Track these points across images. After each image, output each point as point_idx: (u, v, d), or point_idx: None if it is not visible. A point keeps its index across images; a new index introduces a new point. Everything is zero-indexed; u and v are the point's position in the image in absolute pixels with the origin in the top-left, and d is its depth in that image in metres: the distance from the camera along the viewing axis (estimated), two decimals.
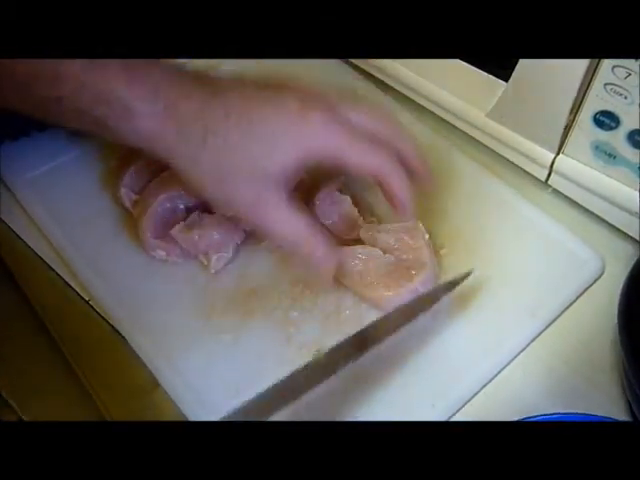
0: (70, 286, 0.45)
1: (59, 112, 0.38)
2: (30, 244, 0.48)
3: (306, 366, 0.37)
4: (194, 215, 0.45)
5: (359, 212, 0.46)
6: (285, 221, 0.39)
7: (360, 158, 0.39)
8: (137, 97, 0.37)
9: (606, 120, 0.42)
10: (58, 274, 0.46)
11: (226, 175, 0.38)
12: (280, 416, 0.37)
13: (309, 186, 0.47)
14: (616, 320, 0.37)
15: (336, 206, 0.47)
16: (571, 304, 0.44)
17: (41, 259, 0.47)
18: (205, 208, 0.45)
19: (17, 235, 0.48)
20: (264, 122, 0.38)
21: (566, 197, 0.48)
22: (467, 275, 0.42)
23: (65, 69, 0.36)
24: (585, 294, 0.44)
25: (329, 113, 0.39)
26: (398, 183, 0.40)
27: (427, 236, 0.44)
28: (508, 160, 0.50)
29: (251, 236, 0.46)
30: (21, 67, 0.36)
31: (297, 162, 0.38)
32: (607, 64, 0.40)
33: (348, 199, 0.47)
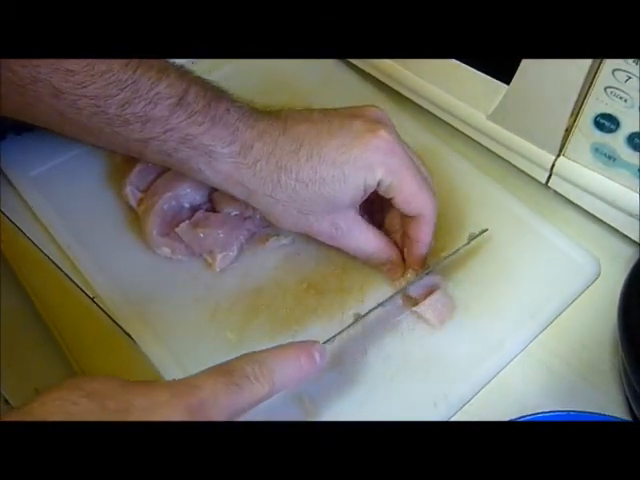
0: (75, 283, 0.45)
1: (142, 152, 0.40)
2: (34, 241, 0.48)
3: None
4: (199, 213, 0.45)
5: None
6: (361, 239, 0.42)
7: (413, 191, 0.40)
8: (218, 140, 0.39)
9: (606, 123, 0.42)
10: (63, 271, 0.46)
11: (301, 209, 0.40)
12: (284, 415, 0.37)
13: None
14: (616, 320, 0.38)
15: None
16: (570, 305, 0.44)
17: (45, 256, 0.47)
18: (210, 207, 0.46)
19: (21, 231, 0.48)
20: (332, 155, 0.39)
21: (566, 199, 0.49)
22: (482, 232, 0.45)
23: (154, 113, 0.37)
24: (584, 295, 0.45)
25: (394, 135, 0.40)
26: (429, 230, 0.42)
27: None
28: (509, 162, 0.51)
29: (256, 235, 0.47)
30: (112, 110, 0.37)
31: (365, 189, 0.40)
32: (607, 68, 0.40)
33: None
